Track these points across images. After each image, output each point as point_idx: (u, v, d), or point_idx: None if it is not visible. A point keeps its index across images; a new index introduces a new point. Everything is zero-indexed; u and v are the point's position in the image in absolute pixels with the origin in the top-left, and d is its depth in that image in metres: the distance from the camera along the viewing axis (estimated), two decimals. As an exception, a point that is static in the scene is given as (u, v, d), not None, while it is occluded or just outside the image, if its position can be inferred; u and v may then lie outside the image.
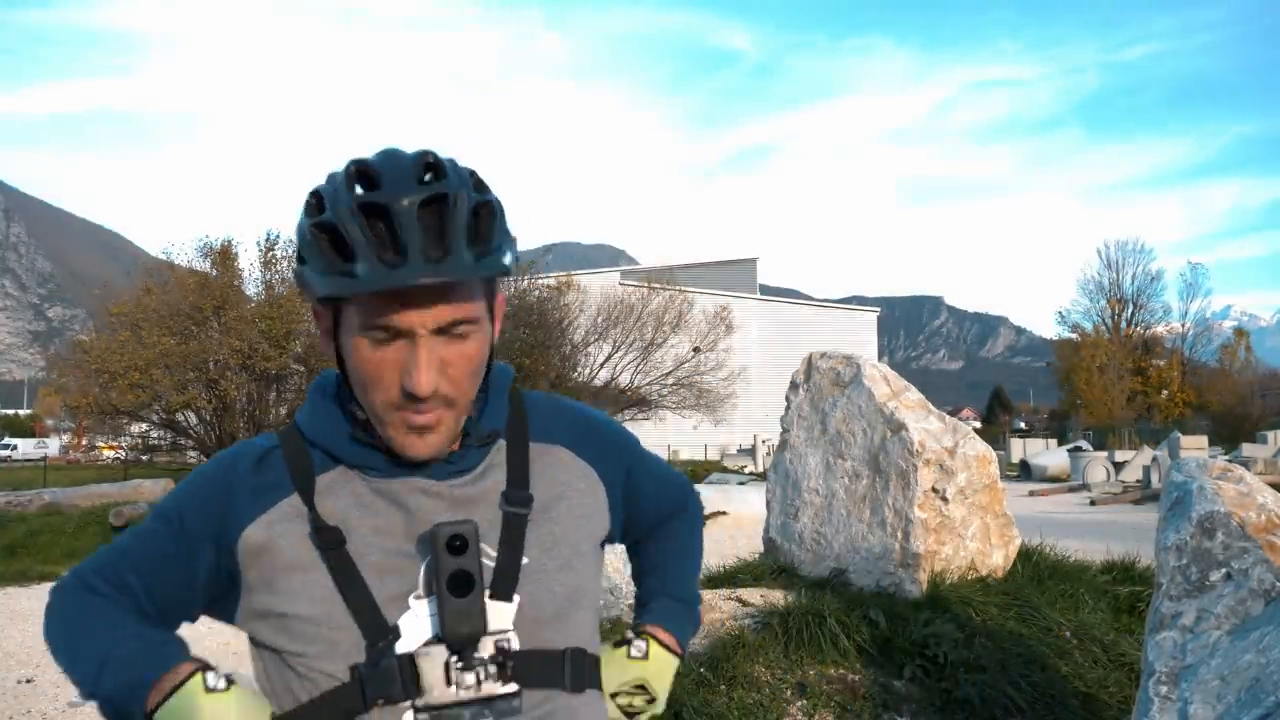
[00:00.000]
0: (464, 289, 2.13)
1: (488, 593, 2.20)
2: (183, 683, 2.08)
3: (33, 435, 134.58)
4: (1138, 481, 42.53)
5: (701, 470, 47.95)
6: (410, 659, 2.13)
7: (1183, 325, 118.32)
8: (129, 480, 34.32)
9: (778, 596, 9.72)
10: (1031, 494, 40.92)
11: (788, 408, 11.63)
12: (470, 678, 2.13)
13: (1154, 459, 41.80)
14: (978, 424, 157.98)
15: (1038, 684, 8.21)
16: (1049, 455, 56.75)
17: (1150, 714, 4.87)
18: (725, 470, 51.04)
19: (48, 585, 11.84)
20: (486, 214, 2.14)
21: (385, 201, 2.03)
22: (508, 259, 2.17)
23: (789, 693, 8.11)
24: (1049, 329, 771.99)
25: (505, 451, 2.42)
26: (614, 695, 2.53)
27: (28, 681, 11.27)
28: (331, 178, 2.17)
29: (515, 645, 2.21)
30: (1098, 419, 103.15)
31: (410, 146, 2.16)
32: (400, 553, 2.22)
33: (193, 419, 47.75)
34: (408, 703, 2.12)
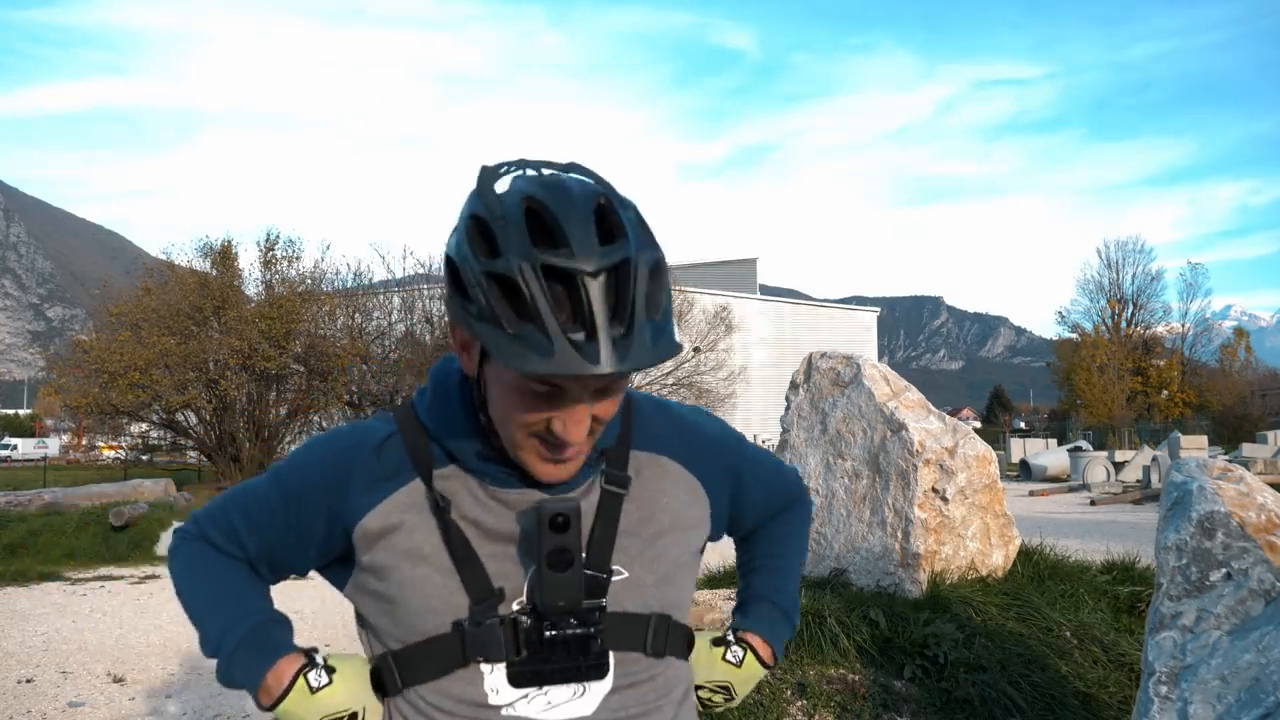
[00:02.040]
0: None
1: (583, 563, 2.28)
2: (290, 686, 2.31)
3: (33, 435, 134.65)
4: (1138, 481, 42.53)
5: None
6: (512, 621, 2.27)
7: (1183, 325, 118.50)
8: (129, 480, 34.26)
9: (778, 596, 9.71)
10: (1031, 494, 40.91)
11: (788, 408, 11.63)
12: (562, 646, 2.26)
13: (1154, 459, 41.80)
14: (978, 424, 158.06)
15: (1038, 684, 8.20)
16: (1049, 455, 56.67)
17: (1150, 714, 4.87)
18: (725, 470, 51.00)
19: (48, 585, 11.85)
20: (658, 276, 2.10)
21: (571, 270, 1.97)
22: (678, 334, 2.21)
23: (789, 693, 8.11)
24: (1049, 329, 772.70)
25: (609, 458, 2.47)
26: (698, 687, 2.73)
27: (28, 681, 11.28)
28: (491, 203, 2.07)
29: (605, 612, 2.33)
30: (1098, 419, 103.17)
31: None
32: (508, 546, 2.33)
33: (193, 419, 47.77)
34: (503, 663, 2.27)
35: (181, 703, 10.44)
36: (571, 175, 2.14)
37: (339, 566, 2.47)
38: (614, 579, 2.36)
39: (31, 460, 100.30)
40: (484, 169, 2.16)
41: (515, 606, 2.29)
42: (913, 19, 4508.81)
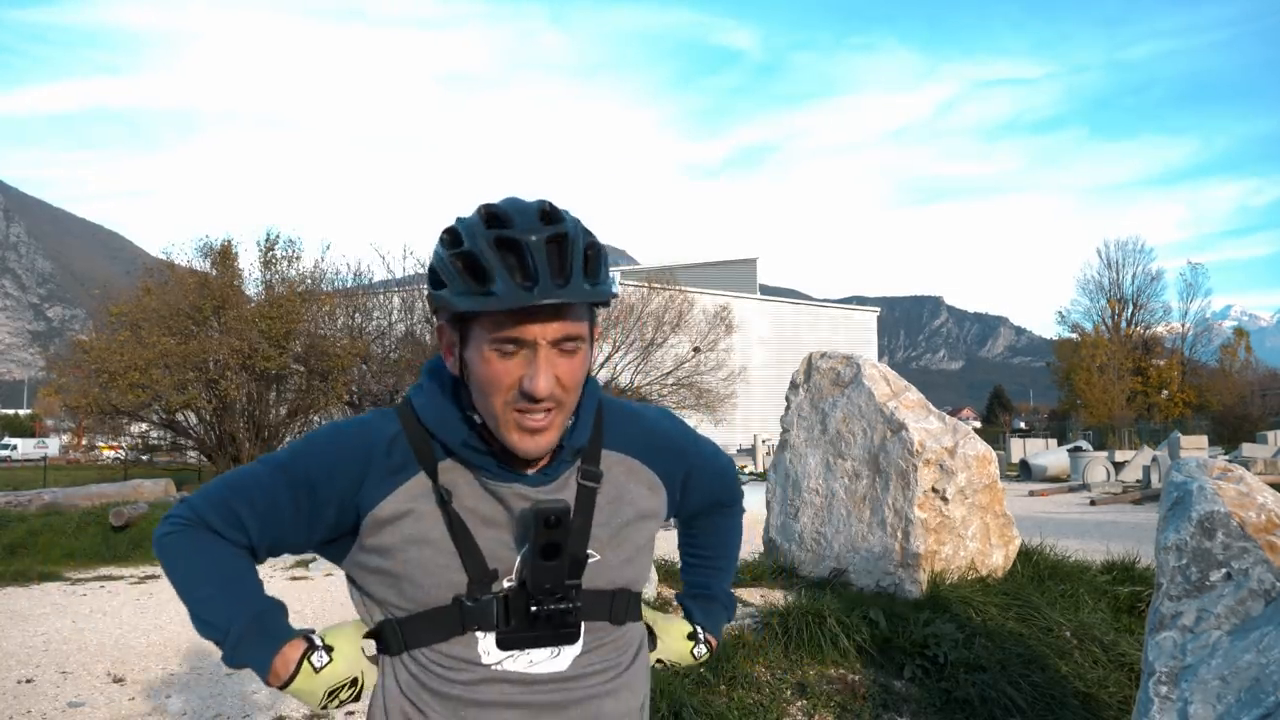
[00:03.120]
0: (576, 311, 2.59)
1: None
2: (296, 669, 2.72)
3: (33, 435, 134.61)
4: (1138, 481, 42.53)
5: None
6: (504, 599, 2.71)
7: (1183, 325, 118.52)
8: (129, 480, 34.32)
9: (778, 596, 9.74)
10: (1031, 494, 40.89)
11: (788, 408, 11.64)
12: (545, 618, 2.71)
13: (1154, 459, 41.79)
14: (977, 424, 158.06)
15: (1038, 684, 8.21)
16: (1049, 455, 56.66)
17: (1150, 714, 4.87)
18: (725, 470, 50.94)
19: (48, 585, 11.82)
20: (595, 253, 2.61)
21: (518, 236, 2.49)
22: (614, 289, 2.65)
23: (789, 693, 8.11)
24: (1049, 329, 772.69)
25: (584, 456, 2.90)
26: (658, 660, 3.30)
27: (28, 681, 11.27)
28: (462, 220, 2.64)
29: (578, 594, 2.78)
30: (1098, 419, 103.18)
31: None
32: (502, 532, 2.76)
33: (192, 419, 47.76)
34: (493, 632, 2.71)
35: (181, 702, 10.43)
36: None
37: (337, 544, 2.86)
38: (588, 561, 2.80)
39: (31, 460, 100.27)
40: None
41: (506, 584, 2.72)
42: (914, 18, 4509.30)
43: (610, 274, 2.72)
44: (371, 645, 2.87)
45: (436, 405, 2.80)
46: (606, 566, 2.86)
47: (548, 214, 2.57)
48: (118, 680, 11.34)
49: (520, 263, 2.48)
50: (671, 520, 3.37)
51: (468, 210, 2.68)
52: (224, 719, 9.89)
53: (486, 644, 2.72)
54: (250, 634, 2.73)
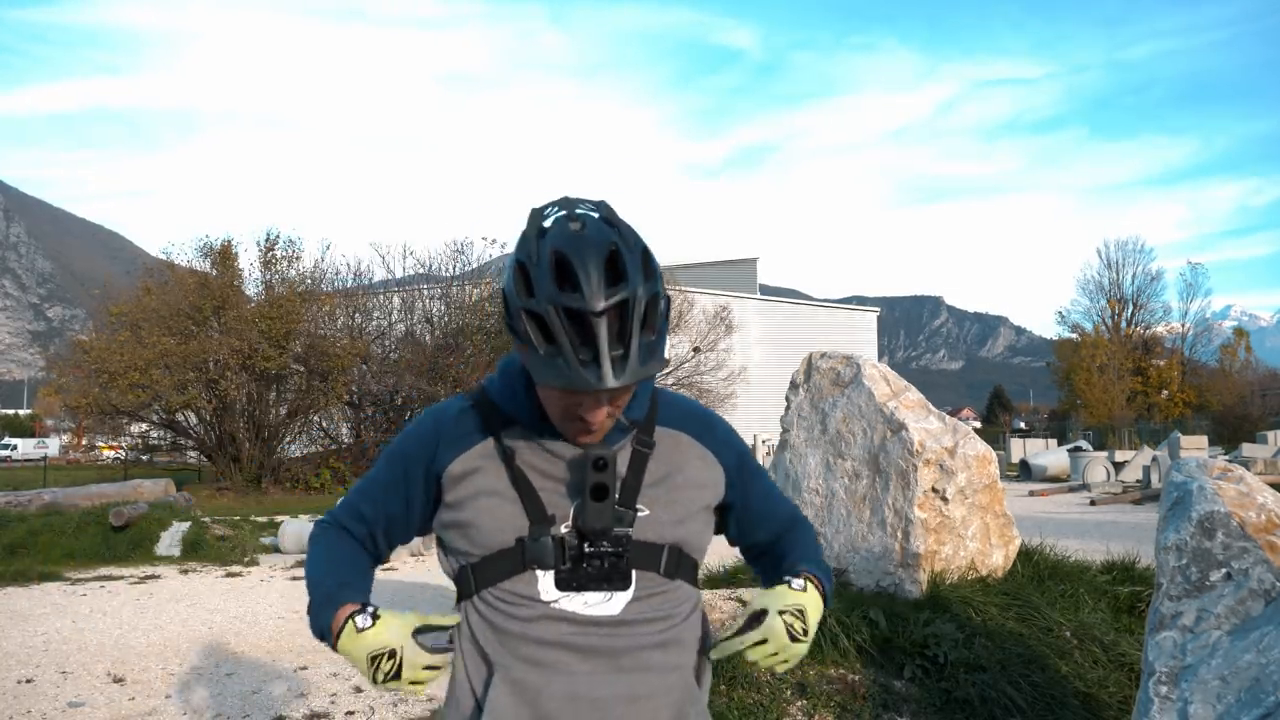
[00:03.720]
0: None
1: (616, 502, 3.00)
2: (341, 628, 3.01)
3: (33, 435, 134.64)
4: (1138, 481, 42.50)
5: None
6: (560, 540, 2.98)
7: (1183, 325, 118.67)
8: (129, 480, 34.23)
9: (778, 596, 9.72)
10: (1031, 494, 40.86)
11: (788, 408, 11.63)
12: (596, 560, 2.98)
13: (1154, 459, 41.77)
14: (978, 424, 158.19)
15: (1038, 684, 8.21)
16: (1049, 455, 56.63)
17: (1150, 714, 4.87)
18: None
19: (48, 585, 11.91)
20: (654, 307, 2.79)
21: (583, 310, 2.66)
22: (666, 351, 2.92)
23: (789, 693, 8.12)
24: (1049, 329, 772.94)
25: (639, 427, 3.18)
26: (781, 612, 3.19)
27: (27, 681, 11.26)
28: (530, 252, 2.77)
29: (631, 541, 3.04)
30: (1098, 419, 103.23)
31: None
32: (559, 484, 3.05)
33: (192, 419, 47.88)
34: (552, 570, 2.98)
35: (181, 702, 10.42)
36: (594, 216, 2.84)
37: (430, 514, 3.23)
38: (639, 514, 3.05)
39: (31, 460, 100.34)
40: (532, 211, 2.88)
41: (564, 529, 2.99)
42: (915, 18, 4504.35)
43: (667, 322, 2.89)
44: (437, 639, 3.07)
45: (505, 384, 3.16)
46: (656, 522, 3.08)
47: (613, 261, 2.74)
48: (118, 680, 11.33)
49: (583, 335, 2.68)
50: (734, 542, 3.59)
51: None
52: (224, 719, 9.89)
53: (545, 582, 2.98)
54: (319, 604, 3.10)
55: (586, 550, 2.97)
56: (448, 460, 3.11)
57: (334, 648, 3.04)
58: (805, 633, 3.17)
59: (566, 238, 2.75)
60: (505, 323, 2.91)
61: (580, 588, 2.98)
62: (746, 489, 3.42)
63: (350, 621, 3.00)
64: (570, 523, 3.00)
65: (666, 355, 2.85)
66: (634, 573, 3.03)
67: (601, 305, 2.66)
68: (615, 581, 3.00)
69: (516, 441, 3.09)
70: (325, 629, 3.06)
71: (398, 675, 2.98)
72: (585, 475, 2.91)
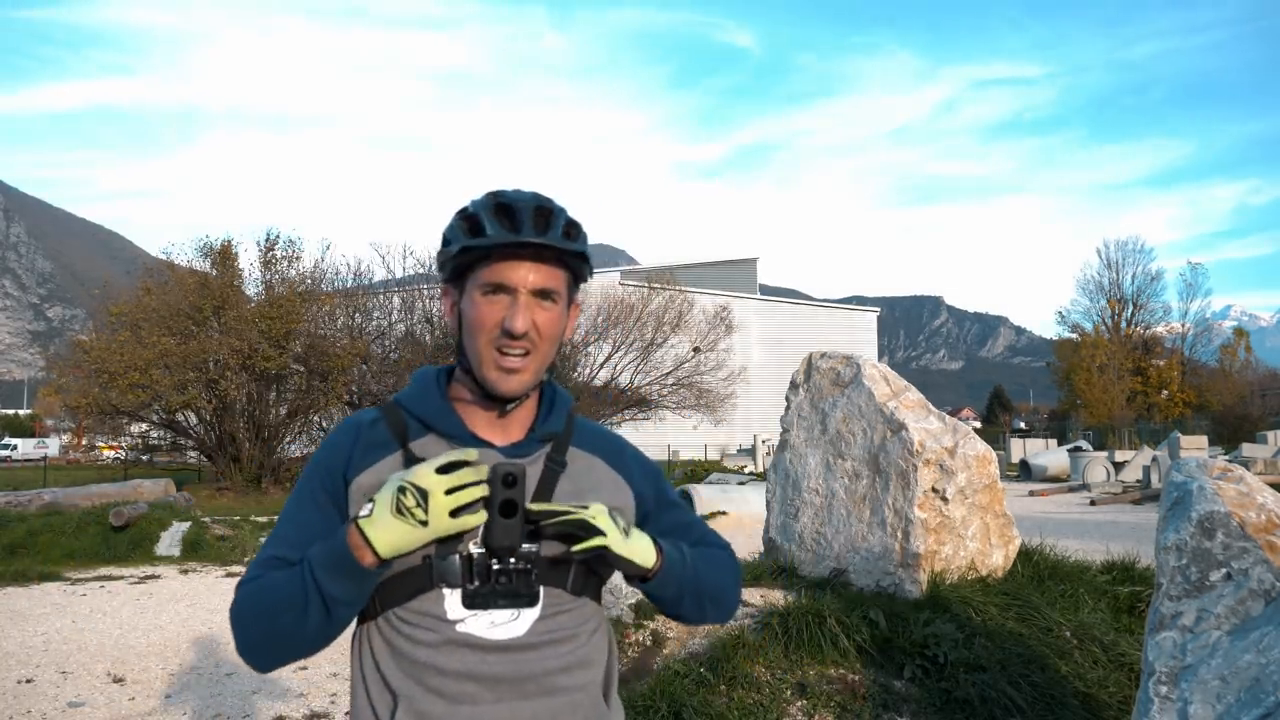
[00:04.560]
0: (555, 269, 2.96)
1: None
2: (362, 534, 2.76)
3: (33, 435, 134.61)
4: (1138, 481, 42.58)
5: (701, 470, 47.72)
6: (468, 557, 2.89)
7: (1183, 325, 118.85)
8: (129, 480, 34.34)
9: (778, 596, 9.73)
10: (1031, 494, 40.98)
11: (788, 408, 11.64)
12: (504, 578, 2.90)
13: (1154, 459, 41.85)
14: (978, 424, 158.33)
15: (1038, 684, 8.21)
16: (1049, 455, 56.76)
17: (1150, 714, 4.87)
18: (725, 470, 50.80)
19: (48, 585, 11.85)
20: (575, 228, 2.99)
21: (511, 202, 2.91)
22: (587, 252, 3.04)
23: (789, 693, 8.11)
24: (1049, 329, 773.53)
25: (552, 446, 3.14)
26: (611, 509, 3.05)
27: (27, 681, 11.27)
28: (473, 199, 3.03)
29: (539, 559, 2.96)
30: (1098, 419, 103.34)
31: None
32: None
33: (192, 419, 47.89)
34: (459, 588, 2.89)
35: (181, 702, 10.44)
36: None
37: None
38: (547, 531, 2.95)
39: (31, 460, 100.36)
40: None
41: (473, 547, 2.90)
42: (915, 18, 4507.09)
43: (585, 240, 3.06)
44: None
45: (419, 389, 3.15)
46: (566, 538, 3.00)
47: (541, 198, 2.98)
48: (118, 680, 11.35)
49: (510, 219, 2.89)
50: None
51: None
52: (224, 719, 9.90)
53: (452, 600, 2.90)
54: (314, 569, 2.83)
55: (494, 567, 2.91)
56: (357, 471, 3.02)
57: (373, 562, 2.77)
58: (626, 533, 3.00)
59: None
60: (438, 261, 3.08)
61: (487, 605, 2.92)
62: (659, 518, 3.33)
63: (354, 524, 2.77)
64: (479, 539, 2.92)
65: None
66: (541, 590, 2.98)
67: (529, 205, 2.90)
68: (523, 599, 2.94)
69: (428, 450, 3.02)
70: (343, 567, 2.78)
71: (425, 523, 2.75)
72: (492, 487, 2.82)
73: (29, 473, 69.58)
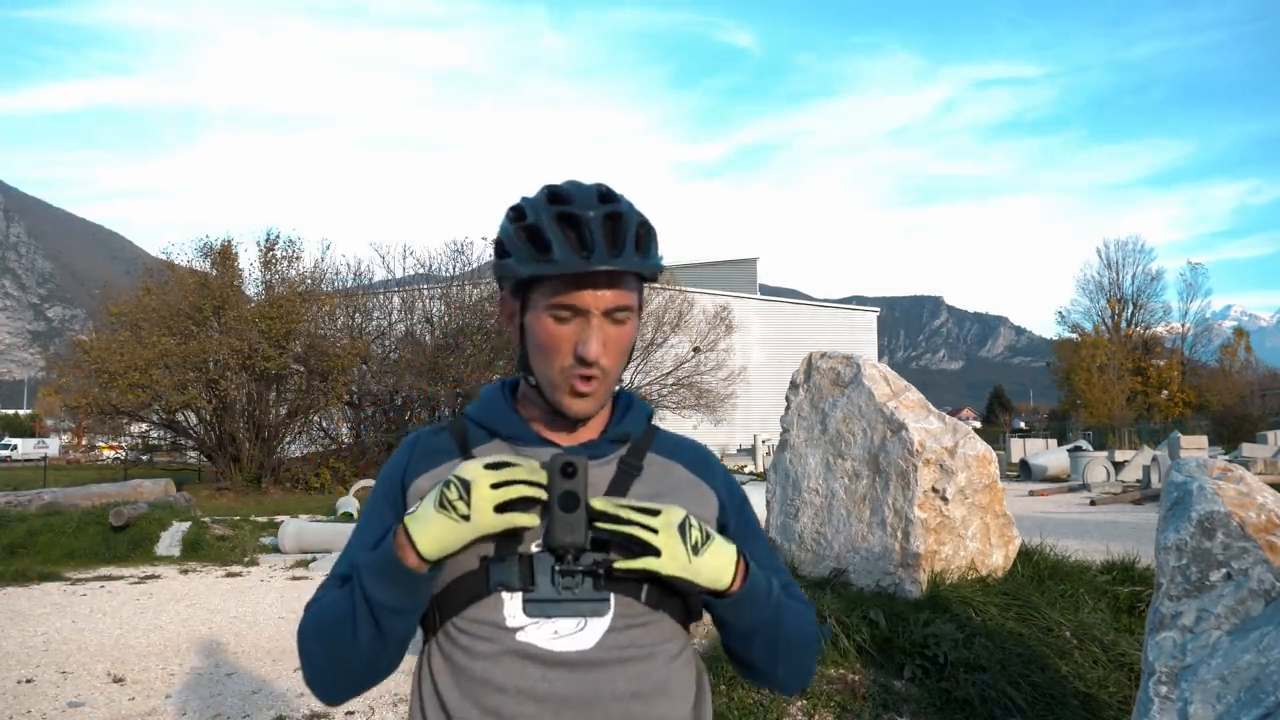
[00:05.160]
0: (627, 283, 2.71)
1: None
2: (407, 534, 2.57)
3: (33, 435, 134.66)
4: (1138, 481, 42.53)
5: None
6: (529, 558, 2.67)
7: (1183, 325, 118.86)
8: (129, 480, 34.29)
9: (778, 596, 9.72)
10: (1031, 494, 40.89)
11: (788, 408, 11.64)
12: (570, 582, 2.66)
13: (1154, 459, 41.79)
14: (978, 424, 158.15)
15: (1038, 684, 8.21)
16: (1049, 455, 56.66)
17: (1150, 714, 4.87)
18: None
19: (48, 585, 11.83)
20: (646, 231, 2.74)
21: (577, 212, 2.63)
22: (661, 263, 2.80)
23: (789, 693, 8.11)
24: (1049, 329, 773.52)
25: (628, 450, 2.91)
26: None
27: (27, 682, 11.26)
28: (526, 198, 2.81)
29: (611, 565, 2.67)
30: (1098, 419, 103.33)
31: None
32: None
33: (192, 419, 47.88)
34: (519, 592, 2.66)
35: (181, 703, 10.43)
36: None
37: None
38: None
39: (31, 460, 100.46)
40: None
41: (534, 548, 2.67)
42: (916, 18, 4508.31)
43: (659, 252, 2.83)
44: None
45: (487, 401, 2.98)
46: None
47: (605, 195, 2.74)
48: (118, 680, 11.34)
49: (579, 236, 2.62)
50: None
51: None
52: (224, 719, 9.89)
53: (512, 606, 2.67)
54: (363, 577, 2.63)
55: (556, 569, 2.65)
56: (414, 477, 2.85)
57: (419, 562, 2.56)
58: (695, 550, 2.65)
59: (558, 184, 2.83)
60: (496, 273, 2.83)
61: (549, 612, 2.65)
62: (740, 540, 2.88)
63: (401, 526, 2.59)
64: (541, 541, 2.67)
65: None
66: (612, 597, 2.68)
67: (595, 211, 2.64)
68: (589, 605, 2.66)
69: (489, 453, 2.81)
70: (390, 573, 2.57)
71: (467, 518, 2.54)
72: (551, 478, 2.59)
73: (29, 473, 69.62)
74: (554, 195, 2.74)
